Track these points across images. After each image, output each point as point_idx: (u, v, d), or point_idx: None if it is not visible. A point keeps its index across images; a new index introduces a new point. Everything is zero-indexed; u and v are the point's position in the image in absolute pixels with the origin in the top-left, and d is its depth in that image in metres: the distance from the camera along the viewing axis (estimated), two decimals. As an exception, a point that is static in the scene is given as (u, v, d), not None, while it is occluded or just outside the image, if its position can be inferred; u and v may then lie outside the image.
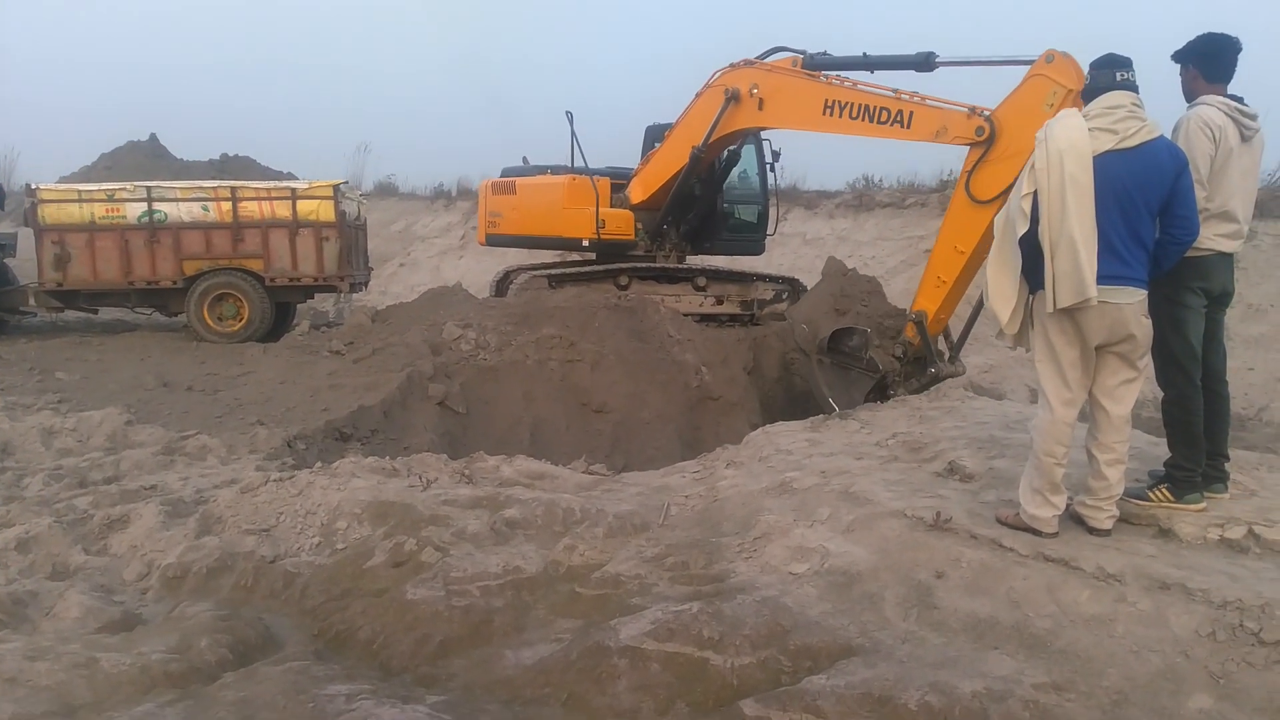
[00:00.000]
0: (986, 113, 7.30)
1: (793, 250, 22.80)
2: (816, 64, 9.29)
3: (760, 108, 9.84)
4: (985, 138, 7.22)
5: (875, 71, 9.00)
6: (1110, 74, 3.83)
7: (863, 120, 8.79)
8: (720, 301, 12.58)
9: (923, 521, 4.09)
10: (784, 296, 12.77)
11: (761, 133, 12.64)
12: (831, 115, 8.99)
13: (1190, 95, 4.17)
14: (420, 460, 6.02)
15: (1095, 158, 3.66)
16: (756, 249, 13.23)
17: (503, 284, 13.40)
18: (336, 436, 7.54)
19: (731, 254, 13.31)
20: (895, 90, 8.30)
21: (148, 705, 3.08)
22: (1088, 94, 3.92)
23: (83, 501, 5.43)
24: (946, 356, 8.47)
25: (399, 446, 7.68)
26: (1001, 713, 2.81)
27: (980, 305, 7.98)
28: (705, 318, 12.29)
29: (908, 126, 8.29)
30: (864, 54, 9.14)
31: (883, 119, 8.57)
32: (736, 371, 10.66)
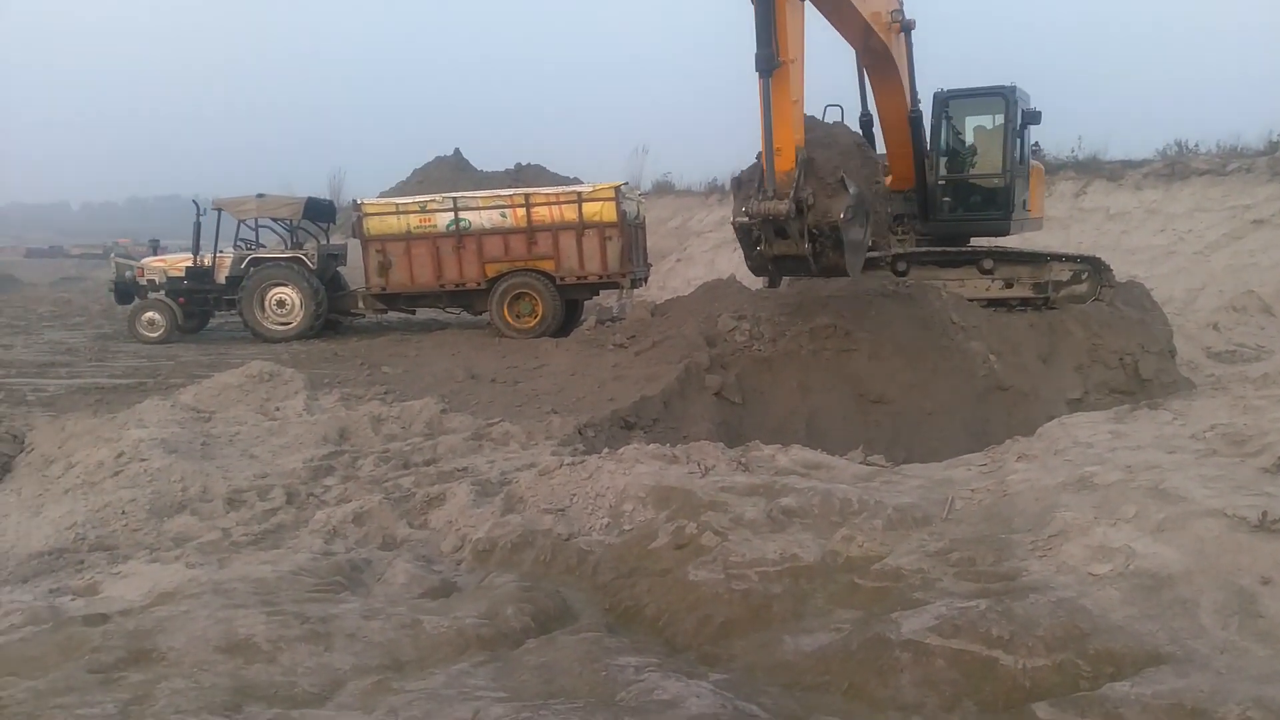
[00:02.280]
0: None
1: (1094, 226, 21.07)
2: None
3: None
4: None
5: None
6: None
7: None
8: (1010, 285, 11.86)
9: (1246, 521, 3.67)
10: (1084, 277, 11.83)
11: (1014, 92, 11.70)
12: None
13: None
14: (699, 448, 6.20)
15: None
16: (997, 229, 12.21)
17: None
18: (621, 425, 7.95)
19: (965, 235, 12.38)
20: None
21: (463, 664, 3.43)
22: None
23: (406, 481, 6.11)
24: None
25: (678, 435, 7.96)
26: (1346, 739, 2.49)
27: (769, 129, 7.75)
28: (993, 302, 11.65)
29: None
30: None
31: None
32: (1029, 359, 10.05)
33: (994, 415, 9.44)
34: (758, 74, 7.68)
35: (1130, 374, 10.40)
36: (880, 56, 10.69)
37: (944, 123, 11.82)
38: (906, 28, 10.68)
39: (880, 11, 10.12)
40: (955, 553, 4.03)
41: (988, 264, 11.85)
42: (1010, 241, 12.48)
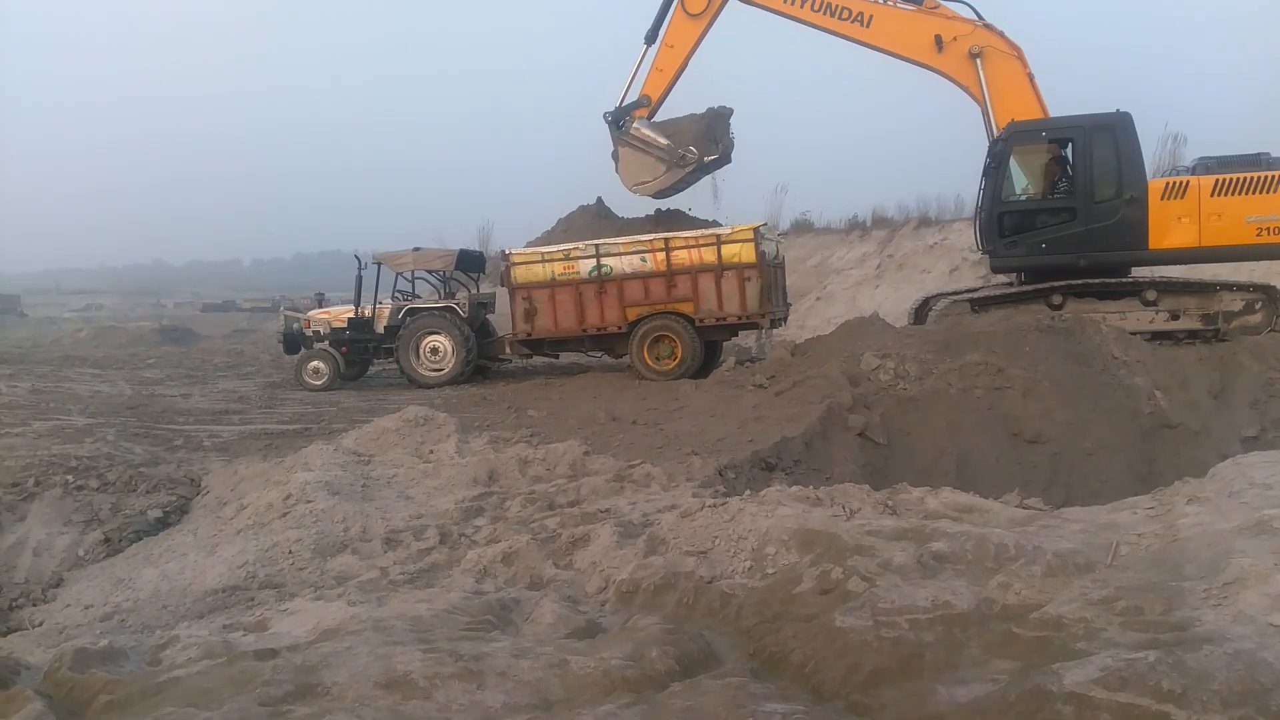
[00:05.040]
0: None
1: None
2: None
3: None
4: None
5: None
6: None
7: (823, 13, 12.08)
8: (1176, 316, 11.23)
9: None
10: (1257, 306, 11.06)
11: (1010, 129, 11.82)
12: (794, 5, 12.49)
13: None
14: (843, 490, 6.09)
15: None
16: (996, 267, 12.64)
17: (921, 311, 13.16)
18: (762, 466, 7.89)
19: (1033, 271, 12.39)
20: None
21: (609, 705, 3.45)
22: None
23: (552, 522, 6.24)
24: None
25: (821, 476, 7.83)
26: None
27: None
28: (1158, 335, 11.03)
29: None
30: None
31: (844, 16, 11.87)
32: (1199, 395, 9.44)
33: (1161, 455, 8.89)
34: (644, 41, 13.63)
35: (1315, 410, 9.64)
36: (959, 84, 11.67)
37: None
38: (973, 54, 11.01)
39: (921, 40, 11.38)
40: (1121, 601, 3.81)
41: (1151, 295, 11.25)
42: (1174, 271, 11.83)
